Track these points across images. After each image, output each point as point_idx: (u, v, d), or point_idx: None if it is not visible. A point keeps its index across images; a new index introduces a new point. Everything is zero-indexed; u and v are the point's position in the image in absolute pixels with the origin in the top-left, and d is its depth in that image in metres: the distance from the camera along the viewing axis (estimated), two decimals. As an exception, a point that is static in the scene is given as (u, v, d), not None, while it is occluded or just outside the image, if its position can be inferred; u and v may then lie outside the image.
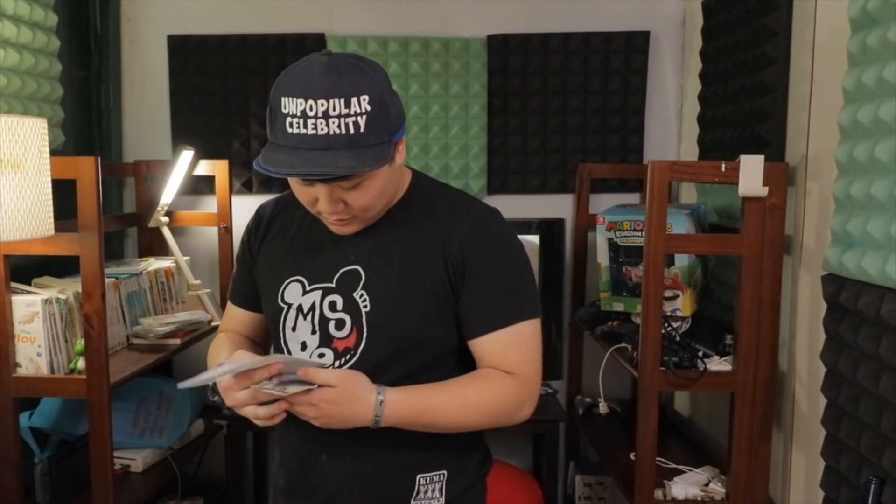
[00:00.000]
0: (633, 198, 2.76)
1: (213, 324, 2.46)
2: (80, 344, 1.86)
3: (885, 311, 1.39)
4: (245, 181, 2.77)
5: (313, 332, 1.26)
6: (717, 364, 1.94)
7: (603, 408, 2.56)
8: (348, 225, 1.24)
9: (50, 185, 1.61)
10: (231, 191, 2.64)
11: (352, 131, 1.11)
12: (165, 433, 2.29)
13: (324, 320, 1.26)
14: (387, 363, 1.24)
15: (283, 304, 1.29)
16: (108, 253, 2.28)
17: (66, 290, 1.92)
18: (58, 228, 1.64)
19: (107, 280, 1.86)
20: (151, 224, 2.55)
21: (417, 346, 1.25)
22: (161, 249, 2.62)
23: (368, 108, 1.11)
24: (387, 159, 1.16)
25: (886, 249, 1.41)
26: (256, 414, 1.17)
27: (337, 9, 2.72)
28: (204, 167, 2.61)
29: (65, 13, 2.39)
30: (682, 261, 2.04)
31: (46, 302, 1.83)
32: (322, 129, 1.10)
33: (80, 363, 1.84)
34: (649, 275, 1.86)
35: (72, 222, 1.74)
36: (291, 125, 1.11)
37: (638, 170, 2.71)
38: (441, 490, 1.30)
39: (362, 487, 1.29)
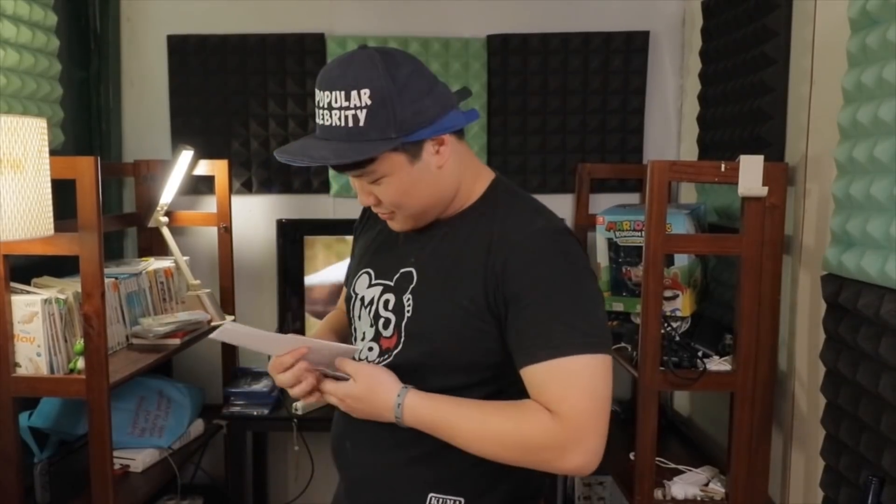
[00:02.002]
0: (632, 198, 2.76)
1: (212, 324, 2.45)
2: (79, 344, 1.86)
3: (884, 311, 1.39)
4: (245, 181, 2.77)
5: (370, 325, 1.27)
6: (717, 364, 1.94)
7: (603, 408, 2.56)
8: (393, 220, 1.24)
9: (49, 185, 1.61)
10: (231, 191, 2.63)
11: (350, 124, 1.10)
12: (165, 433, 2.29)
13: (377, 316, 1.26)
14: (418, 371, 1.20)
15: (353, 293, 1.32)
16: (107, 253, 2.28)
17: (66, 289, 1.92)
18: (57, 228, 1.64)
19: (106, 280, 1.86)
20: (151, 224, 2.55)
21: (446, 361, 1.20)
22: (161, 249, 2.62)
23: (369, 101, 1.09)
24: (376, 152, 1.11)
25: (886, 249, 1.41)
26: (293, 393, 1.22)
27: (337, 9, 2.72)
28: (203, 167, 2.61)
29: (64, 13, 2.39)
30: (681, 261, 2.04)
31: (46, 302, 1.83)
32: (327, 121, 1.12)
33: (80, 363, 1.84)
34: (649, 275, 1.86)
35: (71, 222, 1.74)
36: (316, 115, 1.15)
37: (638, 170, 2.71)
38: None
39: (376, 485, 1.27)
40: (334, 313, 1.50)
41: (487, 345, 1.17)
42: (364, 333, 1.28)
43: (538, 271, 1.13)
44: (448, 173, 1.19)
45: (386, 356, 1.24)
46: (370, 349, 1.26)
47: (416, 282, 1.22)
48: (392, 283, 1.25)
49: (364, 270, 1.32)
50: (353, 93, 1.09)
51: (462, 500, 1.21)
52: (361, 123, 1.10)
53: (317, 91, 1.13)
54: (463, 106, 1.23)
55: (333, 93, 1.10)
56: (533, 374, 1.12)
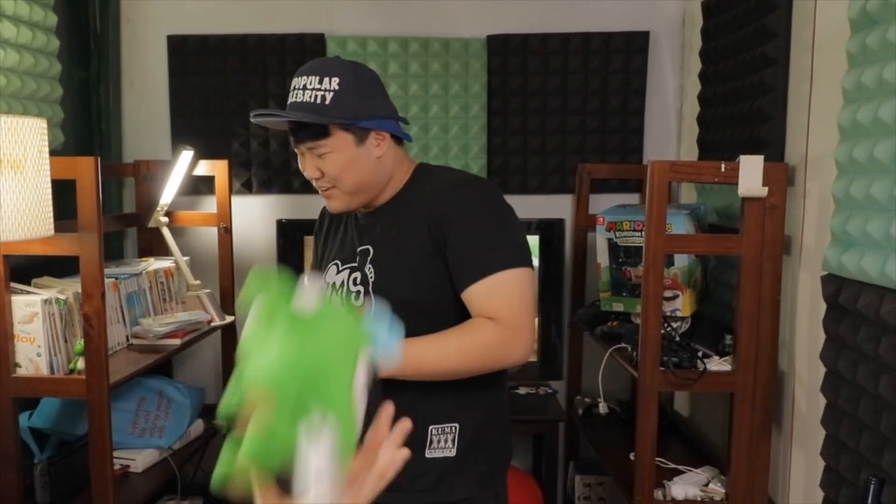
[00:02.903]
0: (632, 198, 2.76)
1: (212, 324, 2.46)
2: (79, 344, 1.86)
3: (884, 312, 1.39)
4: (245, 181, 2.77)
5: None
6: (717, 364, 1.94)
7: (602, 408, 2.56)
8: (333, 199, 1.48)
9: (49, 185, 1.61)
10: (231, 191, 2.63)
11: (317, 101, 1.38)
12: (165, 433, 2.29)
13: (349, 293, 1.47)
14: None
15: (324, 284, 1.53)
16: (107, 253, 2.28)
17: (66, 290, 1.92)
18: (57, 228, 1.64)
19: (106, 280, 1.86)
20: (151, 224, 2.55)
21: (414, 308, 1.37)
22: (161, 249, 2.62)
23: (336, 87, 1.38)
24: (331, 122, 1.38)
25: (886, 249, 1.41)
26: None
27: (337, 9, 2.72)
28: (203, 167, 2.61)
29: (64, 13, 2.39)
30: (681, 261, 2.04)
31: (46, 302, 1.83)
32: (298, 98, 1.40)
33: (80, 363, 1.84)
34: (649, 275, 1.86)
35: (71, 222, 1.74)
36: (289, 98, 1.43)
37: (638, 170, 2.71)
38: (454, 441, 1.43)
39: None
40: None
41: (444, 287, 1.41)
42: None
43: (466, 210, 1.41)
44: (383, 164, 1.46)
45: None
46: None
47: (373, 254, 1.47)
48: (356, 263, 1.49)
49: (332, 262, 1.54)
50: (326, 79, 1.39)
51: (457, 424, 1.44)
52: (327, 102, 1.38)
53: (294, 79, 1.41)
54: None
55: (310, 77, 1.39)
56: (474, 293, 1.37)
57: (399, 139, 1.51)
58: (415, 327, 1.30)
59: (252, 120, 1.47)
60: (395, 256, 1.44)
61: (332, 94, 1.38)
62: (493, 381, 1.47)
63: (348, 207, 1.49)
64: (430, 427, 1.42)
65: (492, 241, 1.39)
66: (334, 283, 1.50)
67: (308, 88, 1.39)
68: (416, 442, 1.37)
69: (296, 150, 1.47)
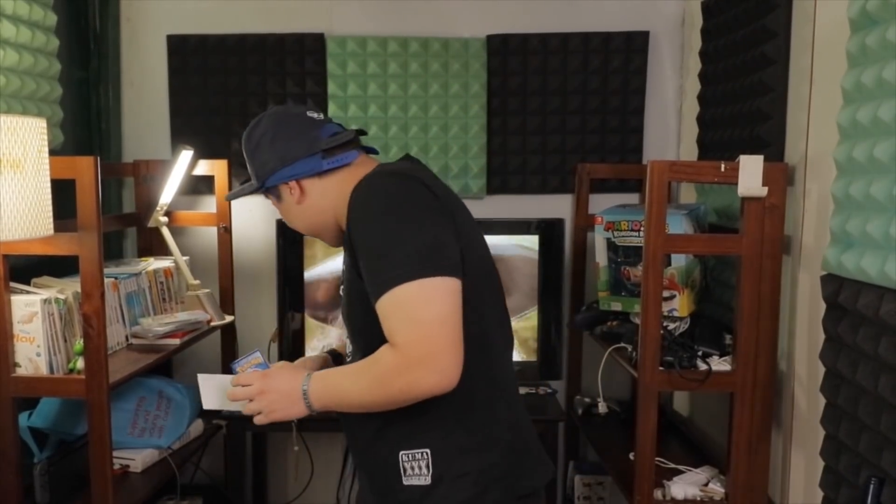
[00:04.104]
0: (632, 198, 2.76)
1: (212, 324, 2.46)
2: (79, 344, 1.86)
3: (884, 311, 1.39)
4: (244, 181, 2.76)
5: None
6: (717, 364, 1.94)
7: (602, 408, 2.56)
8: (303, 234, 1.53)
9: (49, 184, 1.60)
10: (230, 191, 2.63)
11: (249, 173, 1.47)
12: (165, 433, 2.29)
13: None
14: (352, 345, 1.40)
15: None
16: (107, 253, 2.28)
17: (66, 289, 1.92)
18: (57, 228, 1.64)
19: (106, 280, 1.86)
20: (151, 224, 2.55)
21: (357, 330, 1.36)
22: (160, 249, 2.62)
23: (247, 157, 1.46)
24: (241, 194, 1.50)
25: (885, 249, 1.41)
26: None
27: (336, 9, 2.72)
28: (203, 167, 2.61)
29: (64, 13, 2.39)
30: (678, 261, 2.04)
31: (45, 302, 1.83)
32: None
33: (80, 363, 1.84)
34: (649, 275, 1.86)
35: (71, 222, 1.74)
36: None
37: (637, 170, 2.71)
38: (427, 467, 1.30)
39: (365, 462, 1.40)
40: None
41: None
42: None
43: (358, 221, 1.25)
44: (312, 206, 1.41)
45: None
46: (348, 345, 1.45)
47: (341, 279, 1.43)
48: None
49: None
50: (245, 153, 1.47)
51: (428, 450, 1.30)
52: (249, 170, 1.47)
53: None
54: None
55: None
56: (378, 314, 1.21)
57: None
58: (369, 349, 1.25)
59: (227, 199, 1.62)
60: (345, 278, 1.39)
61: (248, 163, 1.46)
62: (474, 400, 1.30)
63: (333, 243, 1.48)
64: (401, 453, 1.31)
65: (381, 253, 1.21)
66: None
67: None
68: (392, 469, 1.31)
69: None
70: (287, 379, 1.33)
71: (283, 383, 1.32)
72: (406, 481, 1.30)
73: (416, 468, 1.30)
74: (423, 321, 1.17)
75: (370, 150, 1.47)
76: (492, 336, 1.34)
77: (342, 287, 1.41)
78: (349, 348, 1.44)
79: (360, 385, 1.24)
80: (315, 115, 1.45)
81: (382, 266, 1.20)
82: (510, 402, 1.38)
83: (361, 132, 1.46)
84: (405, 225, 1.22)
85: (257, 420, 1.33)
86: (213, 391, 1.44)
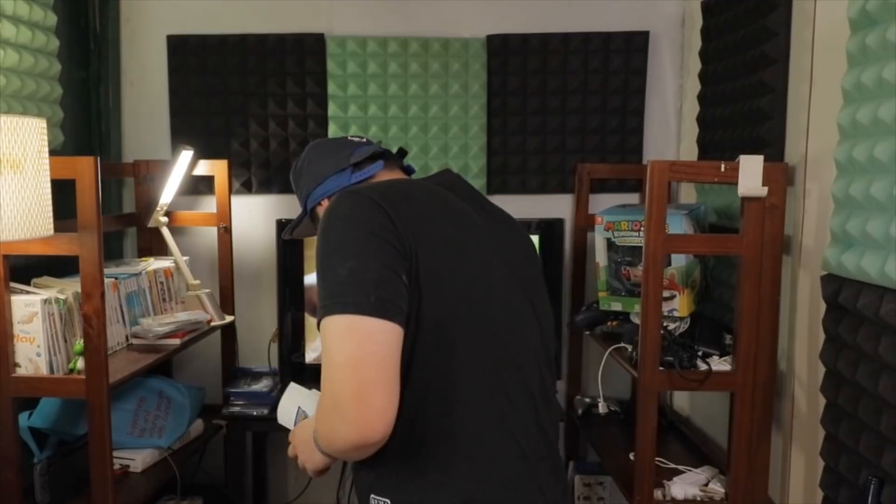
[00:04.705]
0: (632, 198, 2.76)
1: (212, 324, 2.46)
2: (79, 344, 1.86)
3: (884, 311, 1.39)
4: (244, 181, 2.77)
5: None
6: (717, 364, 1.94)
7: (602, 408, 2.56)
8: None
9: (49, 185, 1.60)
10: (230, 191, 2.63)
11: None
12: (165, 433, 2.29)
13: None
14: None
15: None
16: (107, 253, 2.28)
17: (66, 290, 1.92)
18: (57, 228, 1.64)
19: (106, 280, 1.86)
20: (151, 224, 2.55)
21: None
22: (160, 249, 2.62)
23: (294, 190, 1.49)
24: (296, 224, 1.51)
25: (886, 249, 1.41)
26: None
27: (336, 9, 2.72)
28: (203, 167, 2.61)
29: (64, 13, 2.39)
30: (678, 261, 2.04)
31: (46, 302, 1.83)
32: None
33: (80, 363, 1.84)
34: (649, 275, 1.86)
35: (71, 222, 1.74)
36: None
37: (637, 170, 2.71)
38: None
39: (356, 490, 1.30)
40: None
41: None
42: None
43: (317, 239, 1.17)
44: None
45: None
46: None
47: None
48: None
49: None
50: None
51: (388, 500, 1.19)
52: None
53: None
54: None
55: None
56: None
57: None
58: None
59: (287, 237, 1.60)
60: None
61: (297, 195, 1.50)
62: (429, 454, 1.16)
63: None
64: (371, 496, 1.21)
65: (318, 284, 1.12)
66: None
67: None
68: None
69: None
70: (306, 429, 1.32)
71: (303, 433, 1.33)
72: None
73: None
74: (334, 363, 1.07)
75: (408, 170, 1.47)
76: (466, 379, 1.17)
77: None
78: None
79: (319, 429, 1.19)
80: (356, 138, 1.47)
81: (318, 293, 1.12)
82: (483, 456, 1.18)
83: (402, 152, 1.48)
84: (339, 254, 1.11)
85: (309, 474, 1.36)
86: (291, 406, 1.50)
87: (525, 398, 1.24)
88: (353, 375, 1.05)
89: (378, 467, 1.18)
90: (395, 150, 1.50)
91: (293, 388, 1.51)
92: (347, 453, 1.14)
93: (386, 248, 1.11)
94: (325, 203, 1.40)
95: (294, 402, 1.48)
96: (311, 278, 2.64)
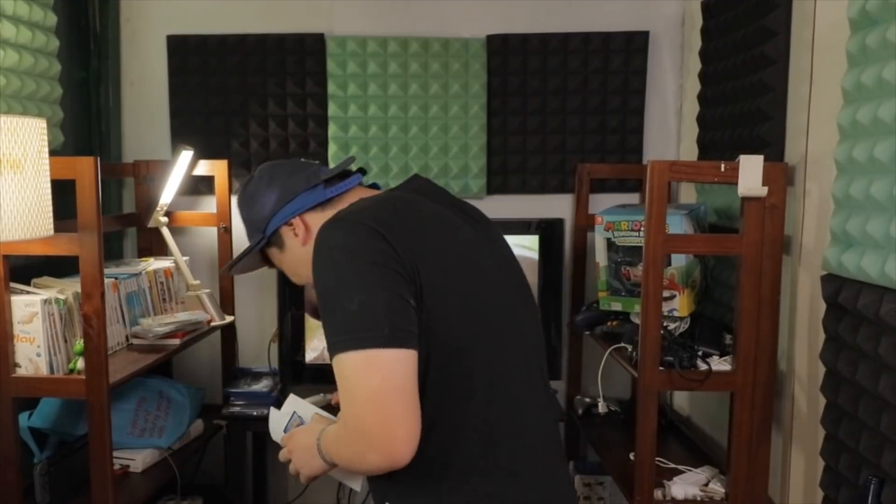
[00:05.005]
0: (632, 198, 2.76)
1: (212, 324, 2.46)
2: (79, 344, 1.86)
3: (884, 311, 1.39)
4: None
5: None
6: (717, 364, 1.94)
7: (602, 407, 2.56)
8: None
9: (49, 185, 1.60)
10: (230, 191, 2.63)
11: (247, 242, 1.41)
12: (165, 433, 2.29)
13: None
14: None
15: None
16: (107, 253, 2.28)
17: (66, 290, 1.92)
18: (57, 228, 1.64)
19: (106, 280, 1.86)
20: (151, 224, 2.55)
21: None
22: (160, 249, 2.62)
23: (240, 217, 1.41)
24: (250, 252, 1.40)
25: (886, 249, 1.41)
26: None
27: (336, 9, 2.72)
28: (203, 167, 2.61)
29: (64, 13, 2.39)
30: (678, 261, 2.04)
31: (46, 302, 1.83)
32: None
33: (80, 363, 1.84)
34: (649, 275, 1.86)
35: (71, 222, 1.74)
36: None
37: (637, 170, 2.71)
38: None
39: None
40: None
41: None
42: None
43: (313, 271, 1.15)
44: (310, 242, 1.29)
45: None
46: None
47: None
48: None
49: None
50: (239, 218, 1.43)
51: None
52: (248, 239, 1.41)
53: None
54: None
55: None
56: None
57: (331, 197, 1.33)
58: None
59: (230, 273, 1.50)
60: None
61: (246, 230, 1.41)
62: (447, 466, 1.17)
63: None
64: (385, 503, 1.24)
65: (324, 315, 1.13)
66: None
67: None
68: None
69: None
70: (305, 435, 1.33)
71: (302, 439, 1.33)
72: None
73: None
74: (356, 399, 1.08)
75: (374, 187, 1.41)
76: (482, 390, 1.18)
77: None
78: None
79: (337, 448, 1.22)
80: (308, 160, 1.43)
81: (326, 330, 1.12)
82: (506, 457, 1.20)
83: (362, 171, 1.41)
84: (345, 287, 1.10)
85: (301, 479, 1.36)
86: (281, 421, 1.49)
87: (534, 397, 1.26)
88: (378, 408, 1.07)
89: (391, 476, 1.16)
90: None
91: (293, 397, 1.50)
92: (367, 472, 1.19)
93: (390, 275, 1.11)
94: (296, 221, 1.32)
95: (290, 409, 1.48)
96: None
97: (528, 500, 1.21)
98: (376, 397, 1.07)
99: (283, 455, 1.39)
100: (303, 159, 1.44)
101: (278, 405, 2.47)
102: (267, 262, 1.44)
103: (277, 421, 1.49)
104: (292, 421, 1.45)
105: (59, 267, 2.04)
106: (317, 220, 1.29)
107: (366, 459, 1.10)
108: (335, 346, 1.09)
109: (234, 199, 1.45)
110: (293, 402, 1.50)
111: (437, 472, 1.17)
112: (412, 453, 1.09)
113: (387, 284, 1.10)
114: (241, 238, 2.79)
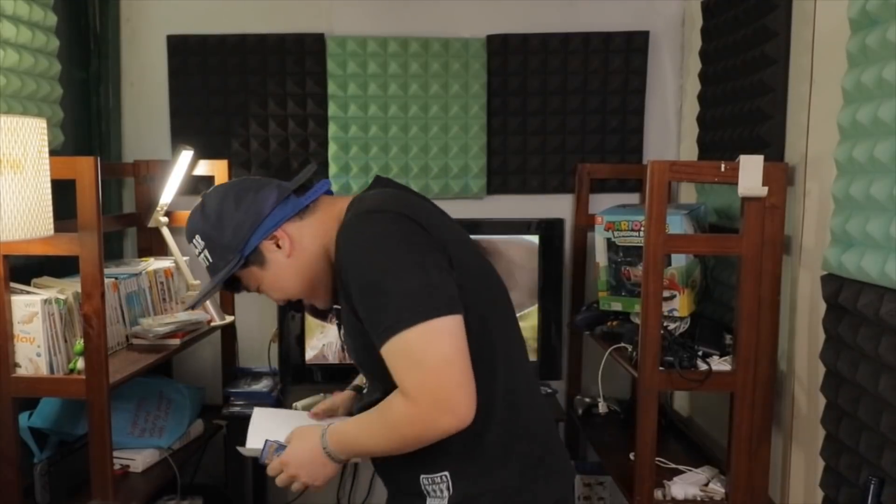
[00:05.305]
0: (632, 198, 2.76)
1: (212, 324, 2.46)
2: (79, 344, 1.86)
3: (884, 311, 1.39)
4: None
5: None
6: (717, 364, 1.94)
7: (602, 407, 2.56)
8: (315, 306, 1.43)
9: (49, 185, 1.61)
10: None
11: (208, 263, 1.36)
12: (165, 433, 2.29)
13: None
14: (369, 384, 1.41)
15: None
16: (107, 253, 2.28)
17: (66, 290, 1.92)
18: (57, 228, 1.64)
19: (106, 280, 1.86)
20: (151, 224, 2.55)
21: (367, 371, 1.37)
22: (160, 249, 2.62)
23: (203, 242, 1.34)
24: (225, 278, 1.33)
25: (886, 249, 1.41)
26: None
27: (336, 9, 2.72)
28: (203, 167, 2.61)
29: (64, 13, 2.38)
30: (678, 261, 2.04)
31: (46, 302, 1.83)
32: (203, 263, 1.37)
33: (80, 363, 1.84)
34: (649, 275, 1.86)
35: (71, 222, 1.74)
36: None
37: (637, 170, 2.71)
38: (448, 489, 1.29)
39: (390, 480, 1.40)
40: None
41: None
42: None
43: (350, 266, 1.20)
44: (305, 252, 1.33)
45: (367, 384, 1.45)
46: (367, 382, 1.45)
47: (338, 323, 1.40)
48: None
49: None
50: (194, 241, 1.36)
51: (447, 473, 1.29)
52: (211, 260, 1.34)
53: None
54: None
55: (190, 244, 1.37)
56: (384, 360, 1.19)
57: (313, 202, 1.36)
58: (382, 390, 1.26)
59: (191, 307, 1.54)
60: (345, 324, 1.33)
61: (206, 251, 1.34)
62: (490, 421, 1.27)
63: (327, 304, 1.40)
64: (421, 477, 1.30)
65: (377, 299, 1.18)
66: None
67: (196, 254, 1.37)
68: (415, 492, 1.32)
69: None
70: (305, 450, 1.34)
71: (302, 455, 1.34)
72: (430, 503, 1.31)
73: (437, 490, 1.30)
74: (430, 366, 1.15)
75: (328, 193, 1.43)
76: (502, 352, 1.29)
77: (341, 332, 1.37)
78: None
79: (375, 435, 1.25)
80: (259, 177, 1.42)
81: (380, 313, 1.17)
82: (524, 413, 1.32)
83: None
84: (396, 268, 1.18)
85: (311, 490, 1.38)
86: (261, 429, 1.46)
87: (531, 368, 1.42)
88: (451, 371, 1.15)
89: (432, 447, 1.23)
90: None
91: (258, 412, 1.48)
92: (427, 442, 1.21)
93: (432, 250, 1.20)
94: (280, 234, 1.32)
95: (257, 438, 1.44)
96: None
97: (550, 461, 1.34)
98: (448, 361, 1.15)
99: (283, 480, 1.38)
100: (254, 177, 1.43)
101: (278, 406, 2.47)
102: (230, 286, 1.40)
103: (252, 454, 1.45)
104: (266, 450, 1.39)
105: (59, 267, 2.04)
106: (299, 229, 1.33)
107: (437, 426, 1.16)
108: (397, 325, 1.15)
109: (189, 229, 1.37)
110: (259, 421, 1.46)
111: (476, 434, 1.24)
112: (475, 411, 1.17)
113: (433, 259, 1.19)
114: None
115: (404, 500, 1.36)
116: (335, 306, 1.41)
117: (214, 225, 1.33)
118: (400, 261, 1.18)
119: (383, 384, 1.25)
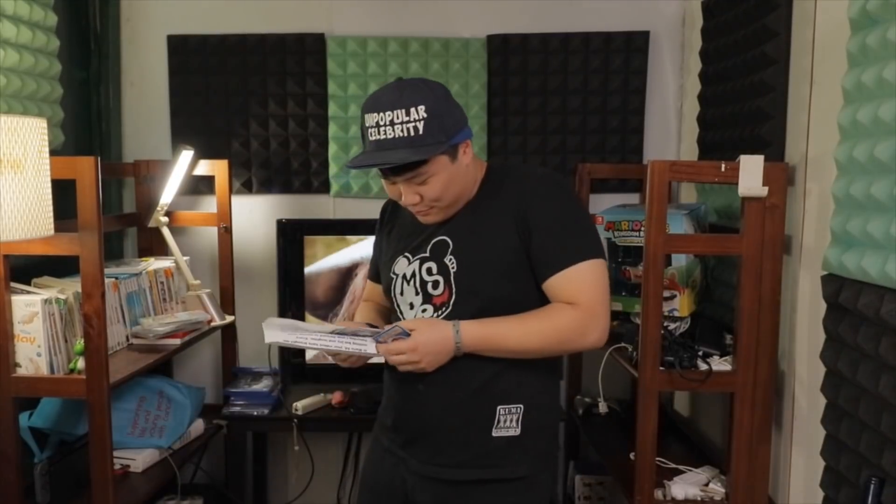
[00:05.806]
0: (633, 198, 2.76)
1: (212, 324, 2.46)
2: (79, 344, 1.86)
3: (884, 311, 1.39)
4: (245, 181, 2.77)
5: (416, 293, 1.55)
6: (717, 364, 1.94)
7: (603, 407, 2.56)
8: (429, 216, 1.53)
9: (49, 185, 1.61)
10: (231, 191, 2.64)
11: (412, 133, 1.41)
12: (165, 433, 2.29)
13: (423, 282, 1.54)
14: (475, 314, 1.49)
15: (392, 276, 1.60)
16: (107, 253, 2.28)
17: (66, 290, 1.92)
18: (57, 228, 1.64)
19: (106, 280, 1.86)
20: (151, 224, 2.55)
21: (497, 300, 1.49)
22: (161, 249, 2.62)
23: (425, 115, 1.40)
24: (436, 152, 1.42)
25: (886, 249, 1.41)
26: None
27: (337, 9, 2.72)
28: (203, 167, 2.61)
29: (64, 13, 2.39)
30: (679, 261, 2.04)
31: (46, 302, 1.83)
32: (390, 134, 1.42)
33: (80, 363, 1.84)
34: (649, 275, 1.86)
35: (71, 222, 1.74)
36: (371, 133, 1.44)
37: (638, 170, 2.71)
38: (517, 421, 1.51)
39: (451, 416, 1.52)
40: (365, 303, 1.79)
41: (528, 279, 1.49)
42: (412, 303, 1.56)
43: (550, 205, 1.48)
44: (471, 169, 1.52)
45: (443, 309, 1.52)
46: (423, 310, 1.54)
47: (453, 246, 1.52)
48: (428, 254, 1.54)
49: (400, 255, 1.59)
50: (413, 109, 1.41)
51: (522, 406, 1.52)
52: (421, 132, 1.41)
53: (371, 114, 1.44)
54: (462, 103, 1.59)
55: (395, 111, 1.41)
56: (556, 282, 1.46)
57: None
58: (477, 309, 1.48)
59: (350, 167, 1.59)
60: (480, 249, 1.50)
61: (423, 122, 1.40)
62: (553, 367, 1.60)
63: (445, 217, 1.54)
64: (498, 407, 1.51)
65: (572, 234, 1.47)
66: (405, 275, 1.57)
67: (397, 123, 1.41)
68: (485, 420, 1.51)
69: (386, 181, 1.52)
70: (437, 340, 1.46)
71: (434, 344, 1.45)
72: (495, 433, 1.51)
73: (509, 421, 1.51)
74: (603, 290, 1.48)
75: None
76: None
77: (423, 267, 1.53)
78: (409, 307, 1.56)
79: (532, 332, 1.47)
80: None
81: (580, 240, 1.47)
82: (561, 375, 1.70)
83: None
84: (587, 217, 1.57)
85: (413, 368, 1.48)
86: (278, 329, 1.48)
87: None
88: (607, 298, 1.49)
89: (516, 379, 1.51)
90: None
91: (269, 322, 1.48)
92: (573, 350, 1.57)
93: None
94: (469, 142, 1.49)
95: (277, 335, 1.46)
96: (310, 277, 2.64)
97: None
98: (607, 293, 1.50)
99: (401, 361, 1.46)
100: None
101: (278, 405, 2.46)
102: (395, 171, 1.45)
103: (282, 344, 1.47)
104: (390, 332, 1.46)
105: (60, 267, 2.04)
106: (471, 149, 1.52)
107: (586, 336, 1.47)
108: (591, 251, 1.47)
109: (410, 98, 1.41)
110: (271, 329, 1.47)
111: (556, 379, 1.65)
112: None
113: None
114: (245, 234, 2.79)
115: (468, 433, 1.51)
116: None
117: (444, 105, 1.45)
118: (587, 213, 1.59)
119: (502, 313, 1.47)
